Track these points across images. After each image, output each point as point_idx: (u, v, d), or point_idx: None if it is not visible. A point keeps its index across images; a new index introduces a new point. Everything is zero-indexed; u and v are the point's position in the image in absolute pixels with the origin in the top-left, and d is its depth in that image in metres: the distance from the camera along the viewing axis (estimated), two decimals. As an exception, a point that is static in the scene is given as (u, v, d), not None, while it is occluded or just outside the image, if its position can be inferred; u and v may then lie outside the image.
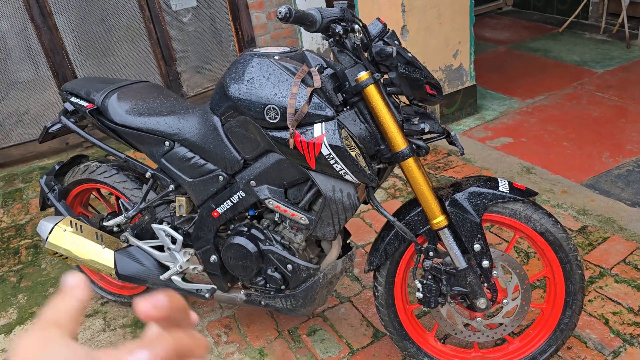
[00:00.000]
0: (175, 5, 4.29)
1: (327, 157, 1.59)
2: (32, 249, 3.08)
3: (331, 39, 1.56)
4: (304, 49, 1.83)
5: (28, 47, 3.85)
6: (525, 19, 6.07)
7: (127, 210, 2.19)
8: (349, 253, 1.97)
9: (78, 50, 3.98)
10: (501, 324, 1.83)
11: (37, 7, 3.70)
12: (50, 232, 2.13)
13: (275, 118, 1.63)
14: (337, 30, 1.48)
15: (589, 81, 4.29)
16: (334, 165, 1.61)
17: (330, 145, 1.58)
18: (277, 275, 1.94)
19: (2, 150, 4.01)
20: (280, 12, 1.35)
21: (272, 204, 1.81)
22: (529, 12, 6.25)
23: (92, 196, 2.57)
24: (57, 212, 2.33)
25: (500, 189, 1.69)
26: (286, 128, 1.62)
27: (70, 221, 2.18)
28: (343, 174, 1.62)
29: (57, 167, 2.38)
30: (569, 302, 1.76)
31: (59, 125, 2.17)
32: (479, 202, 1.67)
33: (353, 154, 1.59)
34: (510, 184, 1.73)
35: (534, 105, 4.01)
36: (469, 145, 3.55)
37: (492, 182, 1.71)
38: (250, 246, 1.92)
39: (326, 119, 1.59)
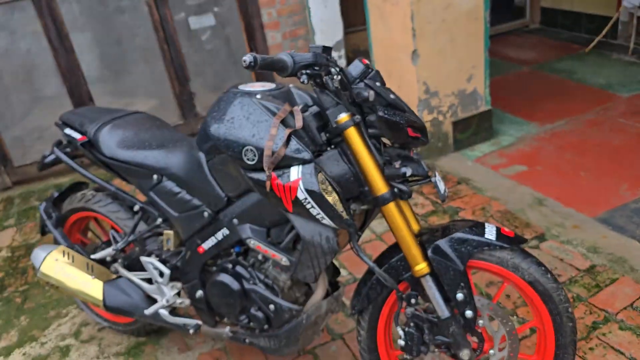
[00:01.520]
0: (193, 24, 4.33)
1: (303, 201, 1.55)
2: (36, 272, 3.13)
3: (311, 81, 1.53)
4: (291, 85, 1.80)
5: (46, 68, 3.94)
6: (552, 37, 5.93)
7: (116, 241, 2.19)
8: (335, 293, 1.91)
9: (93, 71, 4.06)
10: (488, 375, 1.75)
11: (54, 29, 3.79)
12: (42, 262, 2.15)
13: (253, 159, 1.60)
14: (304, 80, 1.45)
15: (613, 106, 4.14)
16: (311, 210, 1.57)
17: (307, 190, 1.54)
18: (260, 314, 1.91)
19: (20, 167, 4.11)
20: (244, 61, 1.32)
21: (253, 243, 1.78)
22: (556, 31, 6.10)
23: (92, 222, 2.59)
24: (55, 240, 2.35)
25: (486, 235, 1.62)
26: (264, 170, 1.59)
27: (63, 251, 2.19)
28: (320, 219, 1.58)
29: (55, 195, 2.40)
30: (559, 355, 1.67)
31: (53, 157, 2.20)
32: (463, 249, 1.60)
33: (330, 198, 1.54)
34: (498, 230, 1.65)
35: (553, 131, 3.88)
36: (480, 173, 3.45)
37: (479, 228, 1.64)
38: (234, 284, 1.90)
39: (303, 162, 1.56)
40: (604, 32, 5.25)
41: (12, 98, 3.98)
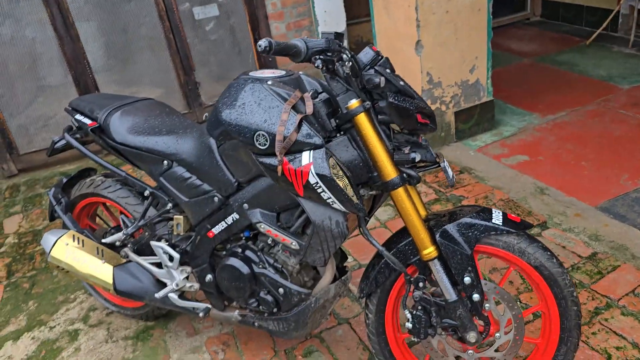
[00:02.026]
0: (198, 14, 4.34)
1: (314, 185, 1.58)
2: (46, 257, 3.16)
3: (323, 67, 1.55)
4: (300, 73, 1.82)
5: (51, 56, 3.95)
6: (553, 30, 5.94)
7: (127, 226, 2.22)
8: (342, 278, 1.95)
9: (99, 60, 4.07)
10: (493, 358, 1.79)
11: (60, 17, 3.80)
12: (52, 246, 2.18)
13: (265, 144, 1.63)
14: (318, 64, 1.47)
15: (613, 98, 4.17)
16: (322, 194, 1.59)
17: (318, 174, 1.57)
18: (269, 298, 1.94)
19: (25, 155, 4.13)
20: (260, 46, 1.35)
21: (263, 227, 1.81)
22: (557, 24, 6.11)
23: (101, 208, 2.62)
24: (64, 225, 2.38)
25: (493, 220, 1.65)
26: (275, 155, 1.62)
27: (73, 235, 2.22)
28: (331, 203, 1.61)
29: (64, 180, 2.43)
30: (564, 338, 1.71)
31: (63, 142, 2.22)
32: (470, 234, 1.63)
33: (340, 183, 1.57)
34: (504, 215, 1.68)
35: (554, 122, 3.91)
36: (483, 162, 3.48)
37: (486, 213, 1.67)
38: (244, 268, 1.93)
39: (315, 147, 1.58)
40: (604, 25, 5.27)
41: (18, 86, 4.00)
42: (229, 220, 1.91)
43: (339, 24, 4.73)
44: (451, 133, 3.77)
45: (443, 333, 1.76)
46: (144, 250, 2.22)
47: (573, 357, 1.73)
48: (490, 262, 2.56)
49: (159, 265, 2.19)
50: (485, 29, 3.56)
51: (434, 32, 3.38)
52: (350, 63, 1.55)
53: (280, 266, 1.92)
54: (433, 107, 3.62)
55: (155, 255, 2.18)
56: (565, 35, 5.73)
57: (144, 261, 2.20)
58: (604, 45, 5.25)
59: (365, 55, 1.62)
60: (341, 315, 2.40)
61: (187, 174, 1.95)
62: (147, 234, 2.20)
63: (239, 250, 1.97)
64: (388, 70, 1.61)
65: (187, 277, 2.14)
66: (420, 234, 1.64)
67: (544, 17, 6.33)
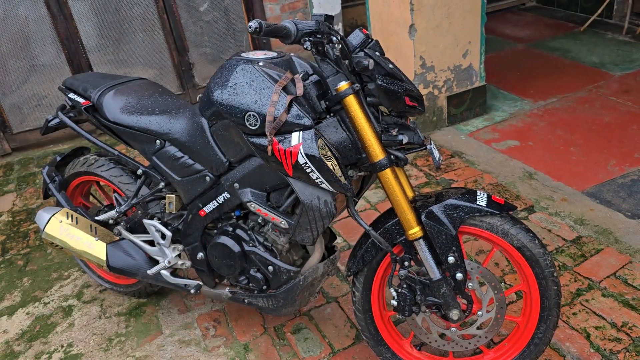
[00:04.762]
0: (192, -6, 4.33)
1: (303, 165, 1.62)
2: (40, 234, 3.19)
3: (313, 49, 1.58)
4: (292, 54, 1.84)
5: (44, 35, 3.94)
6: (548, 15, 5.95)
7: (120, 204, 2.25)
8: (331, 257, 1.99)
9: (92, 39, 4.06)
10: (475, 335, 1.84)
11: (54, -4, 3.79)
12: (47, 223, 2.21)
13: (255, 125, 1.66)
14: (307, 46, 1.50)
15: (605, 84, 4.20)
16: (310, 174, 1.63)
17: (307, 155, 1.60)
18: (259, 275, 1.99)
19: (19, 134, 4.13)
20: (250, 27, 1.37)
21: (253, 207, 1.85)
22: (552, 9, 6.12)
23: (94, 187, 2.65)
24: (58, 203, 2.41)
25: (478, 202, 1.69)
26: (266, 135, 1.65)
27: (67, 212, 2.25)
28: (319, 183, 1.65)
29: (58, 159, 2.45)
30: (544, 317, 1.76)
31: (57, 120, 2.24)
32: (455, 214, 1.67)
33: (329, 163, 1.61)
34: (489, 197, 1.73)
35: (545, 108, 3.95)
36: (473, 147, 3.52)
37: (471, 195, 1.72)
38: (234, 246, 1.97)
39: (304, 128, 1.61)
40: (599, 11, 5.28)
41: (11, 65, 3.99)
42: (220, 199, 1.94)
43: (334, 7, 4.73)
44: (443, 117, 3.80)
45: (427, 311, 1.82)
46: (137, 228, 2.26)
47: (552, 335, 1.79)
48: (477, 244, 2.62)
49: (151, 243, 2.23)
50: (479, 13, 3.58)
51: (428, 16, 3.40)
52: (340, 45, 1.58)
53: (270, 245, 1.96)
54: (425, 92, 3.65)
55: (147, 233, 2.22)
56: (560, 21, 5.74)
57: (137, 239, 2.23)
58: (598, 31, 5.27)
59: (355, 37, 1.65)
60: (330, 294, 2.45)
61: (180, 154, 1.98)
62: (139, 212, 2.23)
63: (230, 228, 2.00)
64: (377, 53, 1.64)
65: (179, 255, 2.18)
66: (406, 214, 1.68)
67: (539, 2, 6.33)
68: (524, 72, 4.62)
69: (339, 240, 2.77)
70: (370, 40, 1.66)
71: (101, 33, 4.11)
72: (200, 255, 2.09)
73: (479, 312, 1.80)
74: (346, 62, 1.63)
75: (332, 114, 1.70)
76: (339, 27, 4.79)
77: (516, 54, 5.05)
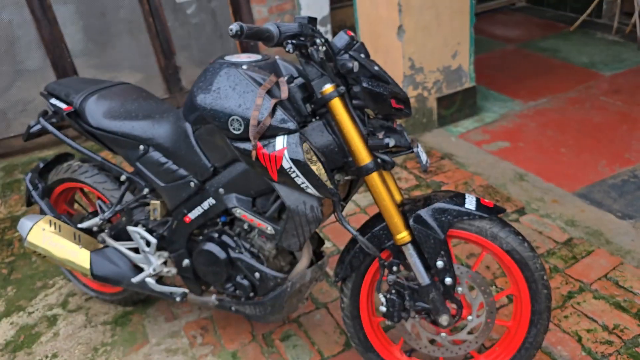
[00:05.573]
0: (179, -3, 4.29)
1: (288, 170, 1.59)
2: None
3: (296, 51, 1.55)
4: (277, 57, 1.81)
5: (29, 39, 3.89)
6: (538, 16, 5.96)
7: (103, 211, 2.21)
8: (319, 262, 1.96)
9: (78, 43, 4.01)
10: (466, 340, 1.81)
11: (37, 0, 3.73)
12: (29, 231, 2.16)
13: (239, 129, 1.62)
14: (289, 49, 1.47)
15: (595, 84, 4.20)
16: (296, 179, 1.60)
17: (292, 159, 1.57)
18: (245, 282, 1.95)
19: (3, 140, 4.07)
20: (231, 30, 1.34)
21: (239, 212, 1.81)
22: (542, 9, 6.12)
23: (78, 194, 2.60)
24: (41, 210, 2.36)
25: (466, 205, 1.67)
26: (250, 139, 1.62)
27: (50, 220, 2.21)
28: (305, 188, 1.62)
29: (41, 165, 2.41)
30: (534, 321, 1.74)
31: (39, 126, 2.20)
32: (443, 218, 1.65)
33: (314, 168, 1.58)
34: (477, 200, 1.70)
35: (536, 109, 3.94)
36: (464, 148, 3.50)
37: (459, 198, 1.69)
38: (221, 253, 1.94)
39: (289, 132, 1.58)
40: (588, 11, 5.29)
41: (-5, 70, 3.94)
42: (205, 205, 1.91)
43: (323, 8, 4.70)
44: (433, 119, 3.78)
45: (416, 316, 1.78)
46: (121, 235, 2.22)
47: (543, 339, 1.76)
48: (468, 247, 2.59)
49: (136, 250, 2.19)
50: (468, 13, 3.56)
51: (416, 17, 3.38)
52: (324, 48, 1.55)
53: (256, 251, 1.93)
54: (415, 93, 3.63)
55: (132, 240, 2.17)
56: (549, 21, 5.74)
57: (121, 246, 2.19)
58: (588, 31, 5.27)
59: (340, 40, 1.62)
60: (319, 300, 2.41)
61: (164, 159, 1.94)
62: (124, 219, 2.19)
63: (216, 235, 1.97)
64: (362, 55, 1.61)
65: (164, 262, 2.14)
66: (394, 218, 1.65)
67: (529, 2, 6.34)
68: (514, 72, 4.61)
69: (328, 245, 2.73)
70: (355, 42, 1.63)
71: (86, 37, 4.06)
72: (186, 262, 2.06)
73: (469, 317, 1.78)
74: (331, 64, 1.60)
75: (318, 117, 1.67)
76: (327, 28, 4.76)
77: (506, 54, 5.05)
